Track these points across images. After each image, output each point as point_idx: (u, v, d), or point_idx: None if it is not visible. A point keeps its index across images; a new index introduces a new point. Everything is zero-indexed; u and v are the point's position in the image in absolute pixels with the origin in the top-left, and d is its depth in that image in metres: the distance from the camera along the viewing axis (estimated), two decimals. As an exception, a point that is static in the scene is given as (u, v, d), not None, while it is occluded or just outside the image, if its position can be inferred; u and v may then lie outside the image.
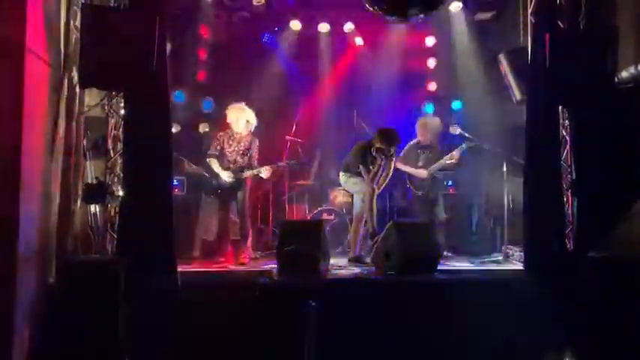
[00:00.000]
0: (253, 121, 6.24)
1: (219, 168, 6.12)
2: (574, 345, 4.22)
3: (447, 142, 6.95)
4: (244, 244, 6.15)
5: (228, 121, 6.22)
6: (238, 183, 6.15)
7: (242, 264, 5.87)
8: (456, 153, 6.55)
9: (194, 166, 6.72)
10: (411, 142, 6.94)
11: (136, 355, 3.94)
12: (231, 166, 6.17)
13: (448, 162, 6.64)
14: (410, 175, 6.83)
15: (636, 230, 4.46)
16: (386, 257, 4.98)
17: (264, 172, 6.18)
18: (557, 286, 4.46)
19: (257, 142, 6.28)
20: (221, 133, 6.27)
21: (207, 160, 6.19)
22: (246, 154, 6.23)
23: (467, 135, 6.64)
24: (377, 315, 4.37)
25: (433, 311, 4.41)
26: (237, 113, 6.16)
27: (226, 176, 6.10)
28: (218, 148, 6.18)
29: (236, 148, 6.21)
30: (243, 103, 6.25)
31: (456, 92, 7.96)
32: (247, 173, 6.18)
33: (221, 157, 6.18)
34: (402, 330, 4.33)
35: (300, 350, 3.79)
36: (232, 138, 6.22)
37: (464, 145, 6.55)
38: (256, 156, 6.27)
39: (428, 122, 6.95)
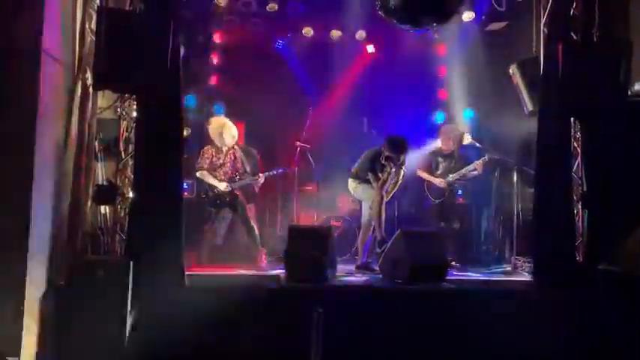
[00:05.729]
0: (236, 133, 6.24)
1: (214, 179, 6.11)
2: (581, 356, 4.20)
3: (461, 152, 6.90)
4: (258, 249, 6.17)
5: (211, 135, 6.21)
6: (234, 194, 6.17)
7: (260, 268, 5.91)
8: (480, 164, 6.49)
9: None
10: (431, 150, 6.91)
11: (144, 355, 3.95)
12: (224, 178, 6.17)
13: (471, 172, 6.60)
14: (428, 183, 6.78)
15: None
16: (394, 266, 4.96)
17: (258, 180, 6.22)
18: (565, 298, 4.43)
19: (240, 152, 6.30)
20: (208, 147, 6.25)
21: (198, 173, 6.15)
22: (238, 164, 6.26)
23: (477, 144, 6.62)
24: (383, 323, 4.36)
25: (440, 321, 4.39)
26: (221, 128, 6.16)
27: (224, 187, 6.11)
28: (207, 161, 6.16)
29: (225, 160, 6.22)
30: (222, 115, 6.33)
31: (467, 101, 7.94)
32: (242, 183, 6.21)
33: (213, 171, 6.16)
34: (409, 339, 4.31)
35: (306, 356, 3.79)
36: (220, 151, 6.22)
37: (486, 157, 6.48)
38: (247, 165, 6.30)
39: (452, 130, 6.88)
